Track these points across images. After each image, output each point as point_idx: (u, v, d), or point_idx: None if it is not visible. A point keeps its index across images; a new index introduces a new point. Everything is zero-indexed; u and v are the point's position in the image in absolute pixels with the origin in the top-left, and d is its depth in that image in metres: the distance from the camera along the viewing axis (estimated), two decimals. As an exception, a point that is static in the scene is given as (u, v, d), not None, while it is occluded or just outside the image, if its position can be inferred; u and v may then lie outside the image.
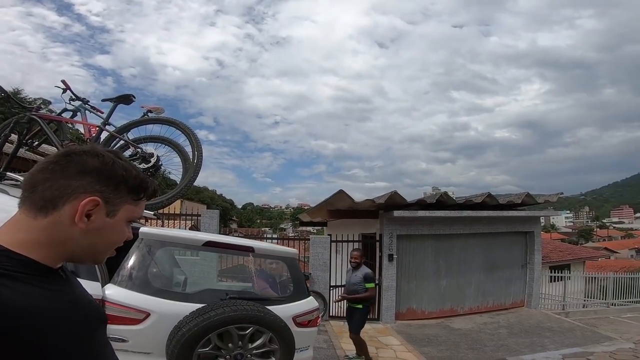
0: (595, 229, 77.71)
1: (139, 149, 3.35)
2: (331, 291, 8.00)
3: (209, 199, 59.32)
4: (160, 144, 3.54)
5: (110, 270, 2.66)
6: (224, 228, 17.79)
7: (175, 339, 2.48)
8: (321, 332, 6.49)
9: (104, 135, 3.57)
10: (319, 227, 15.54)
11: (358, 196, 9.10)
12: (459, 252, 8.81)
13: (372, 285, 5.18)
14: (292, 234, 32.47)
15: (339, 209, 8.79)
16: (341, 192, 7.92)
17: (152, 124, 3.63)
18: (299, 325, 3.06)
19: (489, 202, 8.47)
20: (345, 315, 5.71)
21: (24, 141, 3.76)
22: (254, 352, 2.70)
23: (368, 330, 6.33)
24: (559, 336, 7.08)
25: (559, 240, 32.57)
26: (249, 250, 3.18)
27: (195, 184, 3.81)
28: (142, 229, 2.91)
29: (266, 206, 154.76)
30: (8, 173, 3.23)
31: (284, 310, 2.97)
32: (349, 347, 5.70)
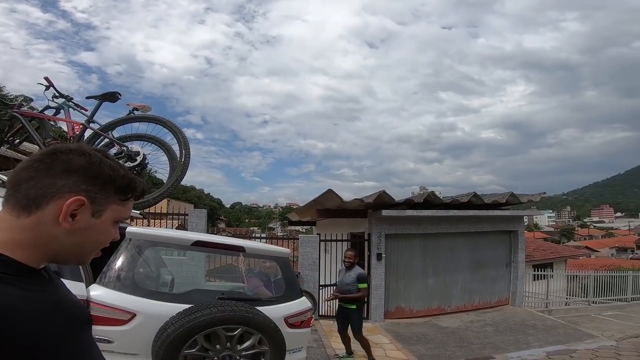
0: (576, 228, 79.65)
1: (124, 147, 3.29)
2: (321, 290, 8.02)
3: (197, 198, 58.69)
4: (146, 142, 3.49)
5: (95, 271, 2.60)
6: (212, 227, 17.60)
7: (161, 340, 2.44)
8: (311, 331, 6.47)
9: (88, 133, 3.51)
10: (308, 227, 15.56)
11: (347, 196, 9.12)
12: (445, 251, 8.92)
13: (365, 285, 5.20)
14: (281, 234, 32.35)
15: (328, 208, 8.80)
16: (330, 192, 7.94)
17: (138, 122, 3.57)
18: (291, 326, 3.01)
19: (474, 201, 8.61)
20: (335, 314, 5.72)
21: (5, 139, 3.67)
22: (243, 353, 2.65)
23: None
24: (543, 334, 7.23)
25: (542, 239, 33.26)
26: (239, 250, 3.13)
27: (183, 183, 3.77)
28: (129, 229, 2.86)
29: (255, 205, 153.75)
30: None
31: (275, 311, 2.93)
32: (339, 347, 5.71)
